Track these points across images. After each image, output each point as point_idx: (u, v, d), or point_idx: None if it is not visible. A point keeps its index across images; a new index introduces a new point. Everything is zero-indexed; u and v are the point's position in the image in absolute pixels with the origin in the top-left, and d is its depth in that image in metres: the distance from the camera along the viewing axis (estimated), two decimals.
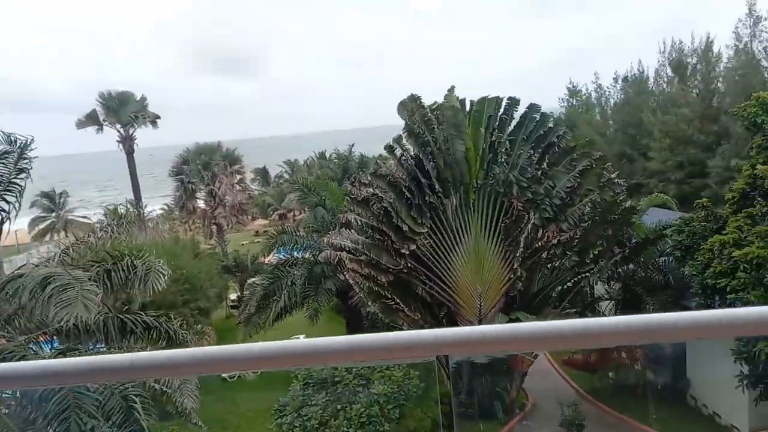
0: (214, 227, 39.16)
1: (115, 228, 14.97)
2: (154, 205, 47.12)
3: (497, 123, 14.30)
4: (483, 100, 14.51)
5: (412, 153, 14.43)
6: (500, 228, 13.54)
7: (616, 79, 38.03)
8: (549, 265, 14.58)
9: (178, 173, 38.69)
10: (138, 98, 37.90)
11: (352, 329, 20.84)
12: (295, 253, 22.67)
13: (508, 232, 13.43)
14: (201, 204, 39.67)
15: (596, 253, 13.72)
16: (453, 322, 13.59)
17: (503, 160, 13.97)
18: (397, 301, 13.12)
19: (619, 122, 36.00)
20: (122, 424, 8.09)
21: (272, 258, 26.51)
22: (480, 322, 13.44)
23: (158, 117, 38.55)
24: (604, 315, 16.73)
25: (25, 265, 14.01)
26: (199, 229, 40.28)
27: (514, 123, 14.69)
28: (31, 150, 9.95)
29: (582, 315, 15.85)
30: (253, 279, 26.85)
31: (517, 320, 12.48)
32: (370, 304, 13.82)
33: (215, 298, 25.73)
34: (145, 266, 9.82)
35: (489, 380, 14.87)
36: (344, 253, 14.02)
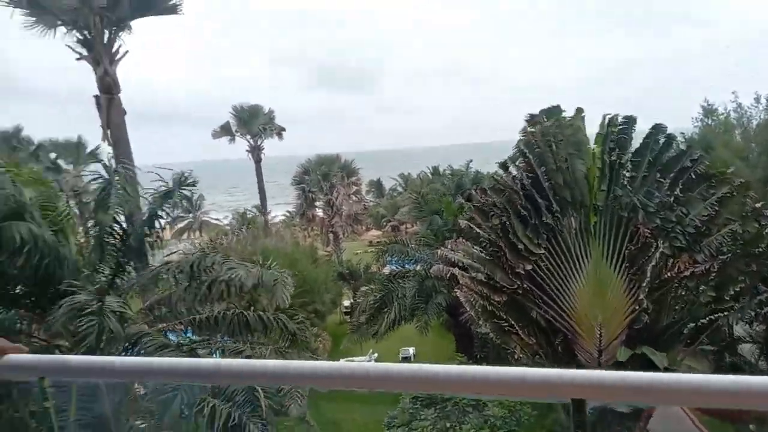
0: (331, 235, 40.82)
1: (244, 232, 16.15)
2: (277, 211, 50.08)
3: (616, 143, 13.56)
4: (605, 120, 13.84)
5: (527, 170, 14.08)
6: (624, 255, 12.77)
7: (757, 99, 34.39)
8: (680, 299, 13.49)
9: (300, 182, 40.87)
10: (266, 111, 40.69)
11: (461, 347, 20.65)
12: (407, 266, 22.98)
13: (633, 259, 12.63)
14: (320, 212, 41.56)
15: (737, 289, 12.47)
16: (570, 351, 13.00)
17: (626, 182, 13.20)
18: (511, 323, 12.81)
19: (763, 144, 32.40)
20: (251, 414, 8.68)
21: (385, 268, 27.07)
22: (600, 354, 12.73)
23: (284, 129, 41.06)
24: (744, 358, 15.11)
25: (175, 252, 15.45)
26: (318, 236, 42.16)
27: (633, 143, 13.87)
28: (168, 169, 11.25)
29: (719, 356, 14.46)
30: (365, 288, 27.61)
31: (643, 355, 11.68)
32: (481, 323, 13.62)
33: (330, 304, 26.73)
34: (273, 277, 10.51)
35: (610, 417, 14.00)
36: (456, 269, 13.97)
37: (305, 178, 40.44)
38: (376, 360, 24.65)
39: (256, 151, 39.97)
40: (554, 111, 14.06)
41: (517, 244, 12.91)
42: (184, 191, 11.16)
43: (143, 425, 8.93)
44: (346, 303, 31.52)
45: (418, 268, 22.26)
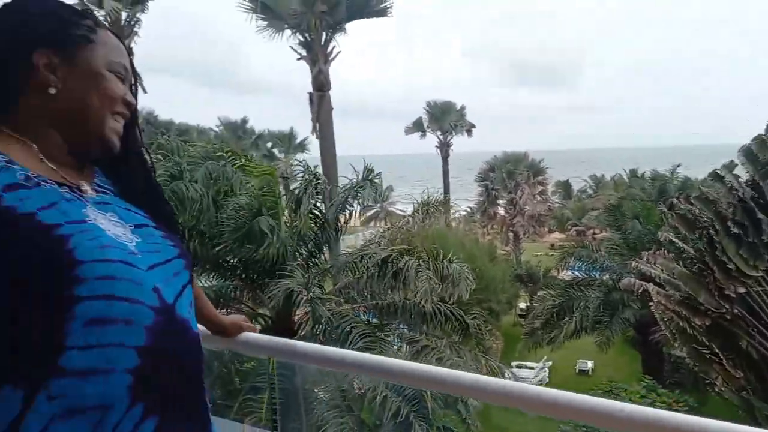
0: (510, 234, 40.04)
1: (423, 217, 16.75)
2: (458, 207, 50.54)
3: None
4: None
5: (750, 182, 12.23)
6: None
7: None
8: None
9: (484, 179, 40.71)
10: (458, 108, 41.19)
11: (648, 368, 18.85)
12: (593, 273, 21.57)
13: None
14: (501, 211, 40.98)
15: None
16: None
17: None
18: (714, 350, 11.32)
19: None
20: (416, 413, 8.99)
21: (565, 274, 25.73)
22: None
23: (474, 126, 41.20)
24: None
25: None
26: (497, 234, 41.66)
27: None
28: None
29: None
30: (543, 292, 26.59)
31: None
32: (677, 346, 12.26)
33: (505, 304, 26.31)
34: (458, 271, 10.71)
35: None
36: (651, 284, 12.73)
37: (490, 175, 40.19)
38: (550, 369, 23.64)
39: (444, 147, 40.82)
40: None
41: (727, 263, 11.34)
42: (374, 182, 11.87)
43: (325, 396, 9.69)
44: (522, 305, 30.70)
45: (605, 277, 20.79)
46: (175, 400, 1.03)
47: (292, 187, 13.10)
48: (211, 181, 10.40)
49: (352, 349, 8.96)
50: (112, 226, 1.05)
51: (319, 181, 11.32)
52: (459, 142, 42.63)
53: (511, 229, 39.82)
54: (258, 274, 10.87)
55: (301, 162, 12.53)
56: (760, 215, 11.43)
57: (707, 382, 12.28)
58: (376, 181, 11.86)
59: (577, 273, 22.79)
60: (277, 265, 10.20)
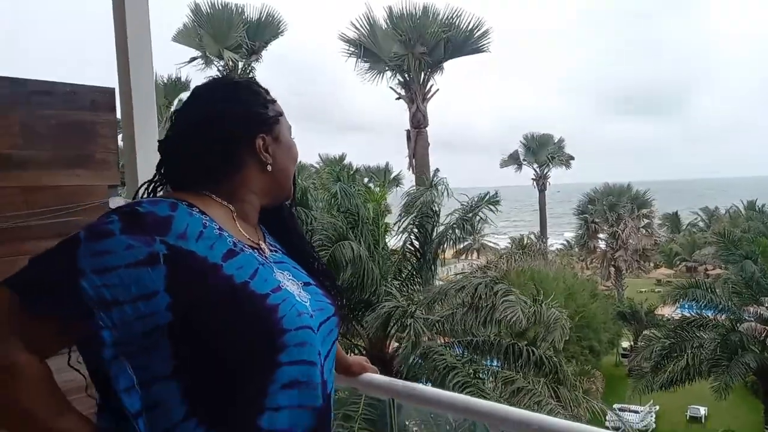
0: (612, 269, 37.99)
1: (519, 256, 16.35)
2: (554, 240, 48.88)
3: None
4: None
5: None
6: None
7: None
8: None
9: (583, 212, 39.15)
10: (556, 140, 40.23)
11: None
12: (706, 312, 19.91)
13: None
14: (602, 245, 39.09)
15: None
16: None
17: None
18: None
19: None
20: None
21: (672, 312, 23.96)
22: None
23: (572, 158, 39.98)
24: None
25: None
26: (597, 269, 39.72)
27: None
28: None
29: None
30: (649, 331, 24.87)
31: None
32: None
33: (607, 343, 24.93)
34: (553, 316, 10.37)
35: None
36: None
37: (589, 208, 38.58)
38: (657, 414, 21.95)
39: (541, 180, 39.91)
40: None
41: None
42: (488, 209, 11.75)
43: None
44: (625, 344, 28.89)
45: (722, 318, 19.13)
46: None
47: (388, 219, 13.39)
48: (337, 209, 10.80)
49: (448, 386, 8.89)
50: (294, 287, 1.13)
51: (432, 211, 11.31)
52: (556, 175, 41.52)
53: (612, 263, 37.79)
54: (353, 304, 11.08)
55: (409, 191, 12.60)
56: None
57: None
58: (492, 207, 11.68)
59: (686, 312, 21.15)
60: (371, 296, 10.34)
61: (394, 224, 11.85)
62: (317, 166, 34.61)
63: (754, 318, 13.35)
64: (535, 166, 39.90)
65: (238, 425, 1.00)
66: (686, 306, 21.20)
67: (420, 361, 10.03)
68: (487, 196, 11.51)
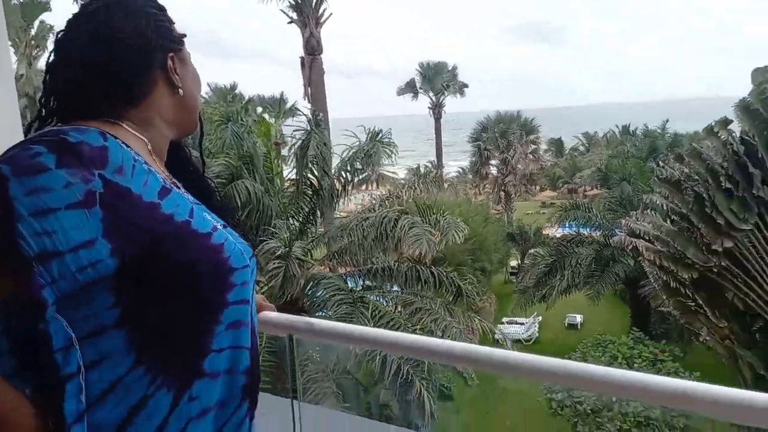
0: (502, 194, 40.20)
1: (419, 185, 16.73)
2: (450, 168, 50.49)
3: None
4: None
5: (740, 135, 12.31)
6: None
7: None
8: None
9: (476, 139, 40.59)
10: (450, 68, 40.67)
11: (636, 321, 19.35)
12: (584, 230, 21.80)
13: None
14: (493, 171, 41.02)
15: None
16: None
17: None
18: (700, 303, 11.64)
19: None
20: (415, 369, 9.23)
21: (555, 231, 25.96)
22: None
23: (466, 86, 40.81)
24: None
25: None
26: (489, 194, 41.79)
27: None
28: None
29: None
30: (534, 250, 26.86)
31: None
32: (664, 299, 12.58)
33: (497, 264, 26.62)
34: (447, 222, 10.74)
35: None
36: (641, 240, 12.95)
37: (482, 136, 40.05)
38: (540, 325, 24.12)
39: (437, 108, 40.48)
40: None
41: (717, 218, 11.53)
42: (382, 146, 11.74)
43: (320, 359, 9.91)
44: (513, 263, 31.07)
45: (597, 234, 21.04)
46: (257, 392, 1.09)
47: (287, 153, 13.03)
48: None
49: (334, 315, 9.14)
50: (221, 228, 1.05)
51: (317, 145, 11.17)
52: (453, 103, 42.33)
53: (503, 188, 39.94)
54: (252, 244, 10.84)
55: (295, 126, 12.37)
56: (752, 170, 11.57)
57: (692, 331, 12.67)
58: (385, 142, 11.66)
59: (568, 231, 23.01)
60: (267, 235, 10.20)
61: (290, 161, 11.57)
62: (206, 96, 32.63)
63: (625, 231, 14.75)
64: (431, 94, 40.35)
65: (186, 369, 0.95)
66: (567, 225, 23.07)
67: (324, 293, 10.18)
68: (380, 135, 11.49)
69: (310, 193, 11.26)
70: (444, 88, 39.60)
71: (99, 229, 0.85)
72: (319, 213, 11.64)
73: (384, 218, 10.59)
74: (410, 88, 40.92)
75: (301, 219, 11.30)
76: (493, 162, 40.77)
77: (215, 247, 0.97)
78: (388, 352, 7.48)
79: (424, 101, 41.27)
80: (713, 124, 12.84)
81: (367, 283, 12.04)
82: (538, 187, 50.20)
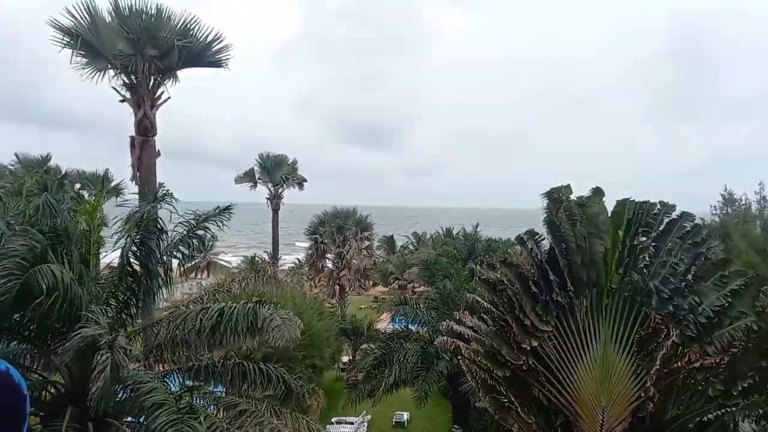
0: (337, 287, 40.64)
1: (253, 277, 16.22)
2: (286, 258, 50.10)
3: (641, 227, 13.56)
4: (624, 202, 13.90)
5: (545, 247, 14.09)
6: (633, 339, 12.55)
7: None
8: (686, 390, 13.12)
9: (314, 233, 41.12)
10: (290, 161, 41.43)
11: (457, 417, 20.10)
12: (412, 326, 22.65)
13: (643, 345, 12.37)
14: (329, 264, 41.54)
15: (746, 385, 12.12)
16: None
17: (643, 266, 13.11)
18: (511, 399, 12.50)
19: None
20: None
21: (387, 326, 26.65)
22: None
23: (305, 180, 41.67)
24: None
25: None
26: (324, 287, 42.00)
27: (661, 228, 13.81)
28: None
29: None
30: (366, 345, 27.16)
31: None
32: (481, 396, 13.30)
33: (329, 359, 26.33)
34: (282, 318, 10.32)
35: None
36: (461, 341, 13.77)
37: (319, 229, 40.72)
38: (369, 422, 23.98)
39: (275, 200, 40.48)
40: (566, 190, 14.17)
41: (523, 319, 12.77)
42: (218, 225, 11.03)
43: None
44: (345, 359, 30.96)
45: (423, 330, 21.96)
46: None
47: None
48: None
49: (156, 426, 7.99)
50: None
51: (156, 228, 10.31)
52: (291, 195, 42.72)
53: (337, 282, 40.46)
54: (54, 338, 9.40)
55: (123, 205, 11.37)
56: (552, 276, 13.14)
57: (505, 429, 13.44)
58: (211, 226, 11.02)
59: (398, 326, 23.77)
60: (72, 324, 8.92)
61: (115, 243, 10.49)
62: (12, 167, 28.86)
63: (446, 333, 15.59)
64: (270, 185, 40.45)
65: None
66: (397, 320, 23.86)
67: (131, 395, 9.02)
68: (218, 209, 10.96)
69: (131, 280, 10.26)
70: (284, 180, 40.02)
71: None
72: (137, 302, 10.56)
73: (211, 310, 9.96)
74: (249, 177, 40.70)
75: (117, 307, 10.16)
76: (329, 255, 41.38)
77: None
78: None
79: (262, 191, 41.23)
80: (523, 234, 14.56)
81: (188, 382, 11.05)
82: (371, 282, 51.69)
